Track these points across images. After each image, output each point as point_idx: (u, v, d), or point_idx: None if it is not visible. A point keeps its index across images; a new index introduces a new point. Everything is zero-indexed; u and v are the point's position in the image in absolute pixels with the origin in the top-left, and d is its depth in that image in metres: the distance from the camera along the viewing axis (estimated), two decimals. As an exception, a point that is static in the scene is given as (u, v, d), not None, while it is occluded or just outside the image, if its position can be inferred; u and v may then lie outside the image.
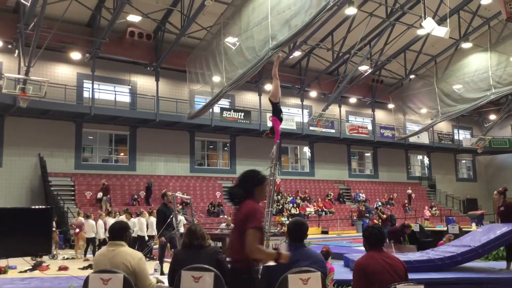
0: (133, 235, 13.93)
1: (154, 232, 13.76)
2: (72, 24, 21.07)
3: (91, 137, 24.38)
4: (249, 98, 28.23)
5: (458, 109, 26.02)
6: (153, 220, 14.46)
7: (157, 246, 11.28)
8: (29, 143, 21.60)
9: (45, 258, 12.47)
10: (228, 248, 3.75)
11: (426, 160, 37.69)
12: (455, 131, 36.90)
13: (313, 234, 23.00)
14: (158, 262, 10.62)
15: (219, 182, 27.01)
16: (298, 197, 28.22)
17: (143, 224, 15.35)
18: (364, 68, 26.76)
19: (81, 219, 15.69)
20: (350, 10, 20.50)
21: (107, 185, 21.69)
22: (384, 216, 18.40)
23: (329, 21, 22.73)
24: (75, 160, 23.08)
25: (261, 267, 3.71)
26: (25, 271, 10.95)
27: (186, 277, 4.00)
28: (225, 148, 28.63)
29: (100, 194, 21.79)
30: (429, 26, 17.22)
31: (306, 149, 31.58)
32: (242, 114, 25.95)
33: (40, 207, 5.10)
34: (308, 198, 28.64)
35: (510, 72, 23.45)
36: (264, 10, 16.41)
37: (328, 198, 29.61)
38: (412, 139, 31.64)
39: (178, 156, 25.99)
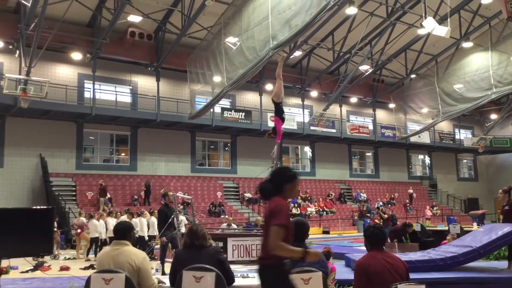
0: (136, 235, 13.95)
1: (155, 232, 13.77)
2: (72, 25, 21.08)
3: (92, 137, 24.40)
4: (250, 98, 28.23)
5: (459, 108, 26.00)
6: (154, 220, 14.47)
7: (158, 246, 11.28)
8: (30, 144, 21.62)
9: (46, 258, 12.49)
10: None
11: (427, 160, 37.67)
12: (456, 130, 36.87)
13: (314, 234, 22.99)
14: (159, 262, 10.64)
15: (220, 182, 27.01)
16: (299, 197, 28.21)
17: (144, 224, 15.36)
18: (365, 67, 26.74)
19: (83, 219, 15.71)
20: (351, 10, 20.48)
21: (104, 185, 21.70)
22: (386, 216, 18.38)
23: (330, 21, 22.73)
24: (76, 161, 23.10)
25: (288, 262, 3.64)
26: (27, 271, 10.97)
27: (188, 277, 4.00)
28: (226, 148, 28.64)
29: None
30: (430, 26, 17.21)
31: (307, 149, 31.57)
32: (243, 114, 25.96)
33: (42, 207, 5.10)
34: (309, 198, 28.63)
35: (511, 71, 23.43)
36: (265, 10, 16.40)
37: (329, 198, 29.60)
38: (413, 139, 31.62)
39: (179, 156, 26.00)
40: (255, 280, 4.68)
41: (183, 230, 11.59)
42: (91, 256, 14.71)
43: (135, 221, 15.25)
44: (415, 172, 37.20)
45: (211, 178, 26.92)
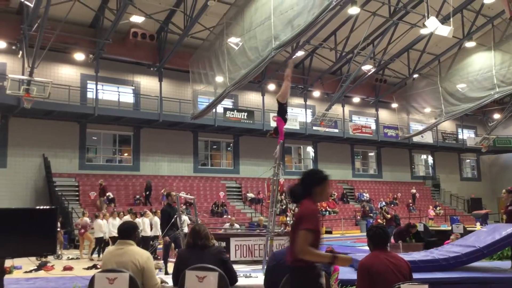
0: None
1: (158, 232, 13.79)
2: (75, 25, 21.13)
3: (95, 138, 24.45)
4: (252, 98, 28.23)
5: (462, 108, 25.95)
6: (157, 220, 14.48)
7: (161, 246, 11.29)
8: (33, 144, 21.68)
9: (50, 258, 12.52)
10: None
11: (430, 160, 37.60)
12: (459, 130, 36.81)
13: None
14: (162, 261, 10.66)
15: (222, 182, 27.03)
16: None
17: (146, 224, 15.36)
18: (368, 67, 26.70)
19: (86, 219, 15.75)
20: (353, 10, 20.46)
21: (104, 185, 21.73)
22: (389, 216, 18.38)
23: (332, 21, 22.69)
24: (79, 161, 23.15)
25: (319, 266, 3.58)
26: (30, 271, 10.99)
27: (190, 277, 4.01)
28: (229, 148, 28.65)
29: (107, 194, 21.88)
30: (433, 25, 17.18)
31: (310, 149, 31.56)
32: (245, 114, 25.97)
33: (45, 207, 5.11)
34: (311, 197, 28.56)
35: (514, 71, 23.39)
36: (267, 10, 16.42)
37: (332, 198, 29.57)
38: (416, 139, 31.57)
39: (181, 156, 26.03)
40: (257, 279, 4.68)
41: (185, 230, 11.61)
42: (94, 256, 14.74)
43: (138, 221, 15.26)
44: (418, 172, 37.14)
45: (213, 178, 26.93)
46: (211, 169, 27.63)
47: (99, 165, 24.15)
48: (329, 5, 13.56)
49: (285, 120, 8.79)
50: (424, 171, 37.59)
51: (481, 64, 25.04)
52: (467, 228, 13.88)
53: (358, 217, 28.51)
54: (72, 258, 14.62)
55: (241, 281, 4.50)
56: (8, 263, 10.35)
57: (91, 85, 22.87)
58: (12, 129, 21.44)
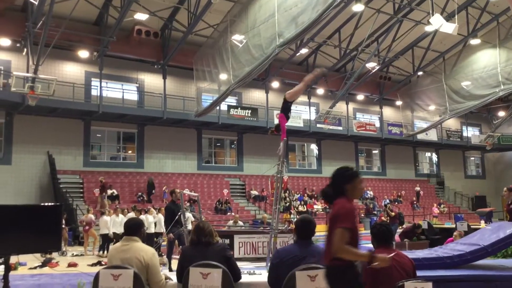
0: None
1: (162, 229, 13.83)
2: (79, 23, 21.17)
3: (99, 135, 24.51)
4: (256, 96, 28.22)
5: (467, 106, 25.84)
6: (161, 217, 14.53)
7: (165, 243, 11.33)
8: (38, 141, 21.75)
9: (54, 255, 12.58)
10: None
11: (434, 157, 37.50)
12: (464, 128, 36.67)
13: (321, 232, 22.92)
14: (166, 258, 10.69)
15: (226, 179, 27.05)
16: (305, 195, 28.20)
17: (150, 221, 15.39)
18: (372, 65, 26.63)
19: (91, 216, 15.81)
20: (357, 7, 20.40)
21: (104, 182, 21.77)
22: (393, 213, 18.37)
23: (336, 18, 22.63)
24: (84, 158, 23.22)
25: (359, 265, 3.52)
26: (35, 267, 11.05)
27: (194, 274, 4.02)
28: (232, 146, 28.66)
29: (109, 191, 21.95)
30: (437, 23, 17.12)
31: (314, 147, 31.53)
32: (249, 111, 25.96)
33: (50, 204, 5.14)
34: (315, 195, 28.60)
35: (519, 68, 23.27)
36: (271, 7, 16.38)
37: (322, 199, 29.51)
38: (420, 136, 31.47)
39: (185, 153, 26.06)
40: (261, 277, 4.69)
41: (189, 227, 11.64)
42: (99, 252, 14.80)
43: (142, 218, 15.31)
44: (422, 169, 37.05)
45: (217, 175, 26.96)
46: (215, 167, 27.66)
47: (103, 162, 24.21)
48: (333, 2, 13.51)
49: (287, 118, 8.76)
50: (428, 169, 37.49)
51: (486, 62, 24.91)
52: (471, 226, 13.84)
53: (362, 215, 28.46)
54: (76, 255, 14.68)
55: (244, 278, 4.51)
56: (13, 259, 10.41)
57: (95, 82, 22.92)
58: (17, 126, 21.52)
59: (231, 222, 15.79)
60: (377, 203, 29.53)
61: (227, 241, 11.65)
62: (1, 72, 20.91)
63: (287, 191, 26.39)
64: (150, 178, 23.50)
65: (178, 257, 5.05)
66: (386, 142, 33.05)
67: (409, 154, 35.48)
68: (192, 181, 25.41)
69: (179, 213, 10.01)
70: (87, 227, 15.40)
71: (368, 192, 31.00)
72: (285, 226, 14.54)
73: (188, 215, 13.28)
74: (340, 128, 29.36)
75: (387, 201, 29.09)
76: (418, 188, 32.76)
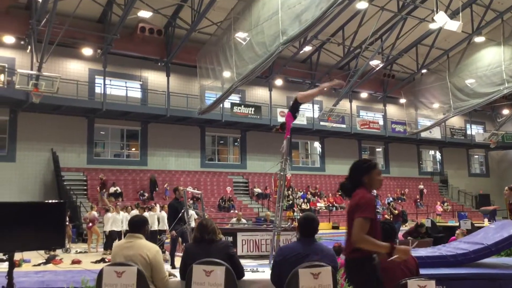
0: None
1: (165, 226, 13.86)
2: (83, 20, 21.20)
3: (103, 132, 24.56)
4: (259, 93, 28.20)
5: (471, 103, 25.78)
6: (164, 214, 14.55)
7: (168, 240, 11.36)
8: (42, 138, 21.82)
9: (58, 251, 12.63)
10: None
11: (438, 155, 37.41)
12: (468, 126, 36.55)
13: (324, 229, 22.96)
14: (168, 255, 10.73)
15: (229, 177, 27.07)
16: (308, 192, 28.20)
17: (154, 219, 15.41)
18: (376, 62, 26.57)
19: (94, 213, 15.85)
20: (361, 4, 20.37)
21: (105, 179, 21.81)
22: (396, 211, 18.34)
23: (340, 16, 22.59)
24: (87, 155, 23.28)
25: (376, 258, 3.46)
26: (39, 264, 11.10)
27: (198, 271, 4.03)
28: (236, 143, 28.67)
29: (113, 189, 22.01)
30: (441, 20, 17.08)
31: (317, 144, 31.50)
32: (253, 109, 25.95)
33: (54, 201, 5.15)
34: (318, 193, 28.60)
35: (524, 66, 23.19)
36: (275, 5, 16.37)
37: (339, 193, 29.51)
38: (424, 134, 31.40)
39: (188, 151, 26.08)
40: (264, 274, 4.70)
41: (193, 224, 11.65)
42: (101, 249, 14.83)
43: (146, 215, 15.34)
44: (426, 167, 36.97)
45: (220, 173, 26.98)
46: (218, 164, 27.68)
47: (107, 160, 24.28)
48: (337, 0, 13.49)
49: (294, 117, 8.77)
50: (432, 167, 37.40)
51: (490, 59, 24.84)
52: (475, 224, 13.80)
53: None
54: (80, 252, 14.72)
55: (248, 275, 4.51)
56: (17, 256, 10.46)
57: (99, 80, 22.95)
58: (21, 123, 21.59)
59: (234, 220, 15.79)
60: (380, 201, 29.49)
61: (230, 238, 11.68)
62: (5, 69, 20.96)
63: (290, 189, 26.42)
64: (153, 176, 23.52)
65: (181, 254, 5.06)
66: (389, 140, 32.99)
67: (413, 152, 35.41)
68: (195, 179, 25.44)
69: (183, 211, 10.03)
70: (90, 224, 15.45)
71: (371, 190, 30.93)
72: (288, 224, 14.55)
73: (191, 212, 13.32)
74: (344, 126, 29.32)
75: (391, 199, 29.06)
76: (421, 186, 32.70)
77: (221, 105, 23.62)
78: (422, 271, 4.23)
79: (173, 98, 24.01)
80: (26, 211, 4.44)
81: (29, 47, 19.37)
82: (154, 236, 14.91)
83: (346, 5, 20.14)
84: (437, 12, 17.44)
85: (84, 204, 20.13)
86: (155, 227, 15.19)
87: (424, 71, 29.36)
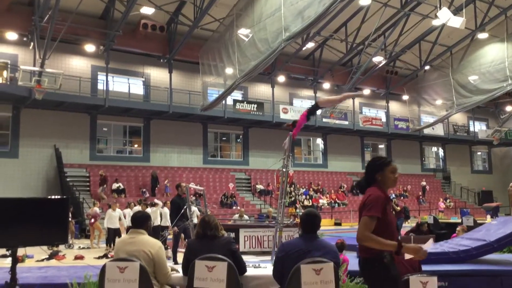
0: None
1: (168, 222, 13.89)
2: (86, 17, 21.20)
3: (106, 129, 24.59)
4: (262, 90, 28.18)
5: (474, 100, 25.69)
6: (166, 211, 14.57)
7: (171, 236, 11.39)
8: (45, 135, 21.87)
9: (61, 247, 12.68)
10: None
11: (440, 152, 37.35)
12: (471, 122, 36.47)
13: (326, 226, 22.98)
14: (170, 251, 10.76)
15: (232, 173, 27.09)
16: (311, 189, 28.21)
17: (156, 215, 15.43)
18: (378, 59, 26.51)
19: (96, 209, 15.88)
20: (364, 1, 20.33)
21: (104, 175, 21.85)
22: (398, 208, 18.31)
23: (343, 12, 22.52)
24: (90, 152, 23.33)
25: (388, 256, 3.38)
26: (42, 260, 11.14)
27: (200, 267, 4.04)
28: (238, 140, 28.68)
29: (116, 185, 22.08)
30: (445, 16, 17.00)
31: (319, 141, 31.48)
32: (255, 106, 25.95)
33: (56, 197, 5.17)
34: (321, 190, 28.61)
35: (527, 62, 23.09)
36: (277, 1, 16.31)
37: (341, 190, 29.54)
38: (426, 131, 31.34)
39: (191, 147, 26.11)
40: (266, 270, 4.71)
41: (195, 220, 11.68)
42: (102, 245, 14.87)
43: (148, 211, 15.35)
44: (429, 164, 36.91)
45: (223, 169, 27.00)
46: (221, 161, 27.70)
47: (109, 156, 24.32)
48: (339, -4, 13.45)
49: (308, 119, 8.77)
50: (434, 164, 37.35)
51: (494, 56, 24.72)
52: (478, 221, 13.80)
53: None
54: (83, 248, 14.77)
55: (250, 271, 4.53)
56: (20, 252, 10.50)
57: (101, 76, 22.97)
58: (24, 120, 21.64)
59: (236, 216, 15.83)
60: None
61: (232, 235, 11.71)
62: (8, 66, 21.01)
63: (293, 186, 26.43)
64: (154, 172, 23.56)
65: (183, 250, 5.08)
66: (392, 137, 32.94)
67: (416, 149, 35.36)
68: (197, 175, 25.47)
69: (185, 207, 10.05)
70: (92, 220, 15.49)
71: (373, 186, 30.93)
72: (290, 220, 14.57)
73: (194, 209, 13.33)
74: (346, 122, 29.29)
75: (393, 195, 29.01)
76: (424, 183, 32.67)
77: (223, 102, 23.61)
78: (424, 267, 4.24)
79: (175, 95, 24.02)
80: (29, 207, 4.46)
81: (32, 43, 19.38)
82: (156, 232, 14.94)
83: (349, 1, 20.05)
84: (440, 8, 17.36)
85: (87, 200, 20.19)
86: (157, 222, 15.22)
87: (427, 67, 29.27)
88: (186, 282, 4.18)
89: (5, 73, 21.28)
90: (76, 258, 11.80)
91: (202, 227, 4.44)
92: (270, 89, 27.61)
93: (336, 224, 25.72)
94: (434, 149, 37.37)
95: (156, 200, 16.96)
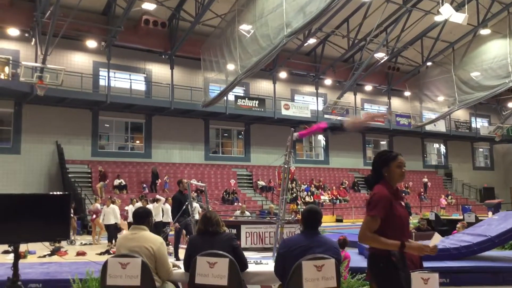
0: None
1: (169, 218, 13.91)
2: (87, 13, 21.18)
3: (107, 125, 24.62)
4: (263, 86, 28.16)
5: (476, 96, 25.65)
6: (168, 207, 14.58)
7: (172, 232, 11.42)
8: (47, 131, 21.89)
9: (63, 243, 12.71)
10: None
11: (442, 149, 37.29)
12: (473, 119, 36.40)
13: (328, 222, 23.00)
14: (172, 247, 10.79)
15: (233, 170, 27.11)
16: (312, 185, 28.21)
17: (158, 211, 15.44)
18: (380, 55, 26.44)
19: (97, 205, 15.91)
20: (366, -4, 20.23)
21: (104, 172, 21.88)
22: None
23: (345, 8, 22.46)
24: (92, 148, 23.36)
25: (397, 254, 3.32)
26: (44, 256, 11.17)
27: (201, 263, 4.05)
28: (240, 136, 28.68)
29: (117, 181, 22.11)
30: (447, 12, 16.95)
31: (321, 137, 31.46)
32: (257, 102, 25.92)
33: (58, 193, 5.18)
34: (322, 186, 28.61)
35: (530, 59, 23.02)
36: (279, -3, 16.27)
37: (343, 186, 29.55)
38: (428, 127, 31.28)
39: (193, 144, 26.12)
40: (268, 266, 4.72)
41: (196, 217, 11.69)
42: (104, 241, 14.89)
43: (150, 207, 15.36)
44: (430, 160, 36.88)
45: (224, 166, 27.02)
46: (222, 157, 27.72)
47: (111, 152, 24.36)
48: (341, -8, 13.40)
49: (324, 130, 8.81)
50: (436, 160, 37.31)
51: (496, 52, 24.66)
52: (479, 218, 13.79)
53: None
54: (85, 244, 14.79)
55: (251, 267, 4.53)
56: (22, 248, 10.54)
57: (103, 72, 22.97)
58: (26, 116, 21.67)
59: (238, 212, 15.83)
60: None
61: (234, 231, 11.72)
62: (10, 62, 21.02)
63: (294, 182, 26.43)
64: (154, 168, 23.58)
65: (185, 246, 5.09)
66: (394, 133, 32.90)
67: (417, 145, 35.31)
68: (199, 171, 25.50)
69: (186, 203, 10.07)
70: (94, 217, 15.52)
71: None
72: (292, 216, 14.58)
73: (195, 205, 13.35)
74: (348, 119, 29.20)
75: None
76: (425, 179, 32.65)
77: (225, 98, 23.60)
78: (425, 264, 4.23)
79: (177, 91, 24.02)
80: (31, 203, 4.48)
81: (34, 39, 19.37)
82: (158, 228, 14.95)
83: (350, -3, 20.07)
84: (442, 4, 17.30)
85: (89, 197, 20.22)
86: (159, 218, 15.24)
87: (429, 63, 29.20)
88: (187, 278, 4.19)
89: (7, 69, 21.31)
90: (78, 254, 11.83)
91: (203, 223, 4.44)
92: (271, 85, 27.58)
93: (337, 220, 25.74)
94: (436, 145, 37.32)
95: (158, 196, 17.00)
